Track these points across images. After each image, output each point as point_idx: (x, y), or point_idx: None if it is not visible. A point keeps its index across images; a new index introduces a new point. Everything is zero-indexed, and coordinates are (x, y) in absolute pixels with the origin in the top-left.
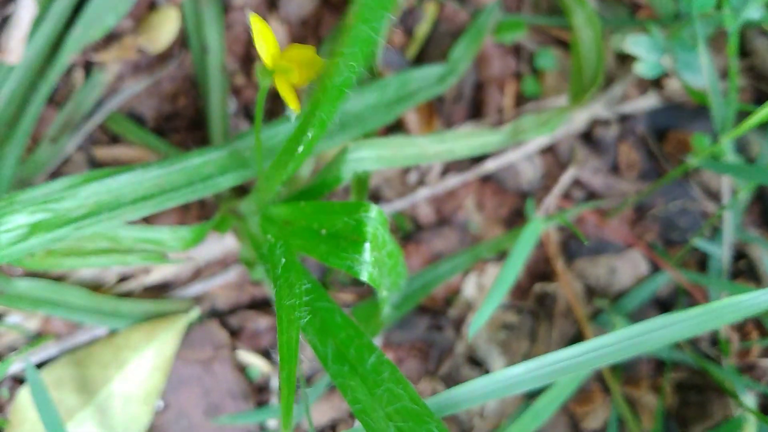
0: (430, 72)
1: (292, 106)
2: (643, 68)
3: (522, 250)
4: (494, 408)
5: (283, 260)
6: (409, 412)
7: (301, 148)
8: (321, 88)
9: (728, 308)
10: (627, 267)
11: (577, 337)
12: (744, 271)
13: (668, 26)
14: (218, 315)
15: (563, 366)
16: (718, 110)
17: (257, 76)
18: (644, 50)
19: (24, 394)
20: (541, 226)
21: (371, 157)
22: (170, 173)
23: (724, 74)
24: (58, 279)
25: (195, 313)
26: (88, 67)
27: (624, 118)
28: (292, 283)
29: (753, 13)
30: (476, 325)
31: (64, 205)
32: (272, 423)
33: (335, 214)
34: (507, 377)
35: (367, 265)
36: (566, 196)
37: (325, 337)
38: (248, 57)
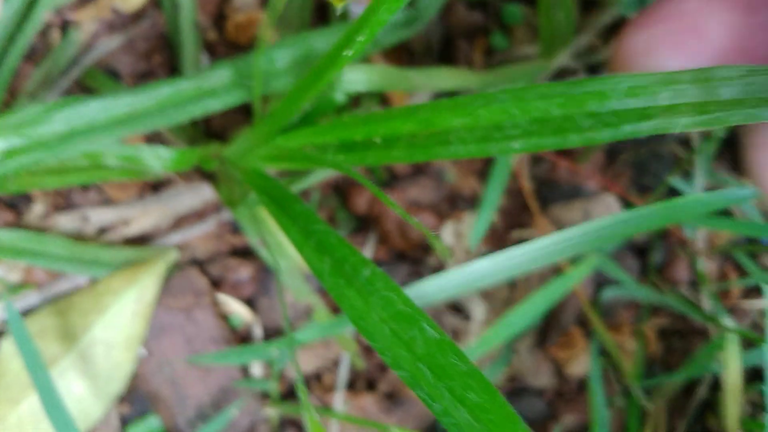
0: (396, 17)
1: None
2: (625, 2)
3: (499, 176)
4: (477, 353)
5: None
6: (402, 315)
7: (350, 52)
8: None
9: (687, 205)
10: (601, 211)
11: None
12: (716, 213)
13: None
14: (198, 264)
15: (525, 259)
16: None
17: None
18: None
19: (5, 345)
20: (511, 161)
21: (363, 80)
22: (141, 100)
23: None
24: (39, 230)
25: (174, 255)
26: (65, 27)
27: (592, 68)
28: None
29: None
30: (478, 234)
31: (38, 131)
32: (256, 370)
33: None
34: (470, 271)
35: None
36: None
37: (321, 255)
38: (220, 14)
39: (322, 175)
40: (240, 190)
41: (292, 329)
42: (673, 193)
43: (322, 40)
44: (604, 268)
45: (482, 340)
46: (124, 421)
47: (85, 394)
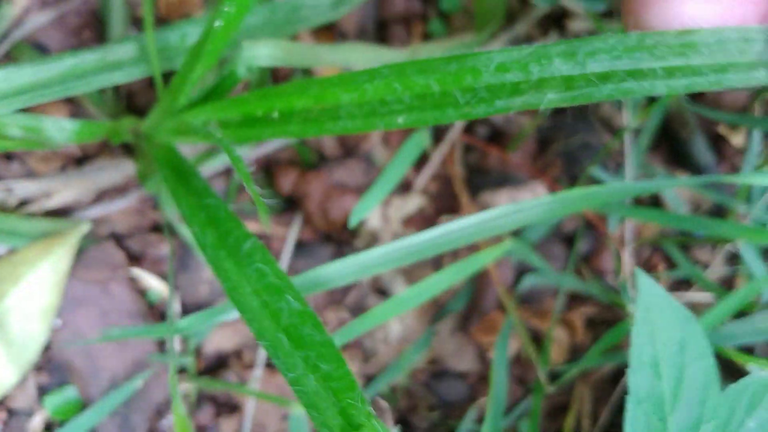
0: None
1: None
2: None
3: (405, 156)
4: (398, 334)
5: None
6: (273, 287)
7: (220, 23)
8: None
9: (582, 196)
10: (528, 197)
11: None
12: (646, 202)
13: None
14: (118, 239)
15: (446, 239)
16: None
17: None
18: None
19: None
20: (426, 140)
21: (266, 55)
22: (44, 70)
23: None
24: None
25: (86, 227)
26: None
27: None
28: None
29: None
30: (364, 207)
31: None
32: (174, 346)
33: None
34: (390, 250)
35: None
36: (469, 131)
37: (207, 228)
38: None
39: (245, 152)
40: (153, 165)
41: (210, 306)
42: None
43: None
44: (524, 255)
45: (394, 306)
46: (43, 390)
47: (1, 360)
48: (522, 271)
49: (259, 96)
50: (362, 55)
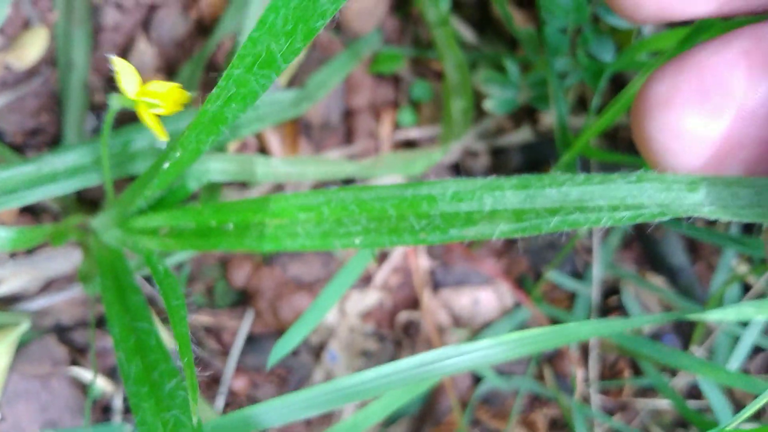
0: (282, 97)
1: (160, 135)
2: (493, 104)
3: (354, 268)
4: None
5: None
6: None
7: (166, 165)
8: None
9: (547, 335)
10: (491, 298)
11: None
12: (616, 308)
13: (533, 63)
14: (63, 330)
15: (393, 379)
16: (562, 145)
17: (109, 102)
18: (497, 88)
19: None
20: (369, 258)
21: (217, 170)
22: None
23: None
24: None
25: (25, 325)
26: None
27: (498, 152)
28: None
29: (606, 56)
30: (280, 352)
31: None
32: None
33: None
34: (338, 388)
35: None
36: None
37: (134, 355)
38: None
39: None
40: (96, 267)
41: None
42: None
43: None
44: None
45: (349, 426)
46: None
47: None
48: (478, 374)
49: (213, 209)
50: (321, 169)
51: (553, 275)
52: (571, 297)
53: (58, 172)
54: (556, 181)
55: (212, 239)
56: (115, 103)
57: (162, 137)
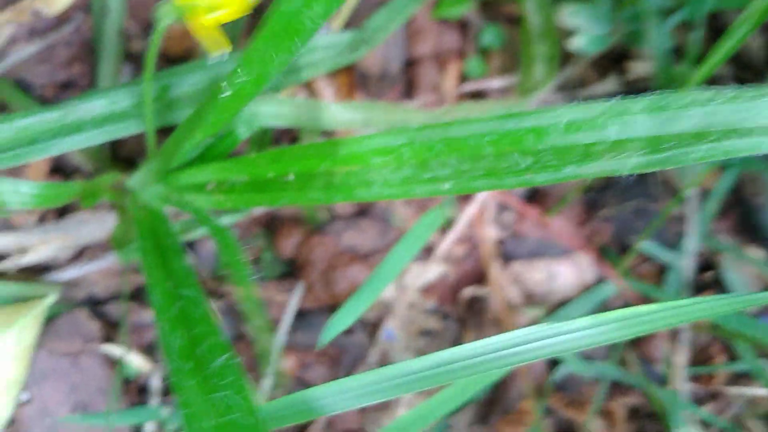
0: (338, 40)
1: (223, 44)
2: (582, 42)
3: (417, 236)
4: None
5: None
6: (241, 427)
7: (227, 94)
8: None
9: (661, 313)
10: (570, 273)
11: None
12: (710, 284)
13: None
14: (96, 304)
15: (470, 363)
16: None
17: (157, 15)
18: (584, 21)
19: None
20: (445, 212)
21: (269, 114)
22: None
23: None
24: None
25: (53, 297)
26: None
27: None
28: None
29: None
30: (336, 327)
31: None
32: (149, 427)
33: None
34: (403, 370)
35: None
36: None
37: (178, 327)
38: (151, 22)
39: (246, 211)
40: (133, 230)
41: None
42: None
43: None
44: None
45: (411, 419)
46: None
47: None
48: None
49: (270, 158)
50: (389, 116)
51: (645, 245)
52: (659, 272)
53: (86, 120)
54: (699, 99)
55: (270, 193)
56: (165, 15)
57: (224, 47)
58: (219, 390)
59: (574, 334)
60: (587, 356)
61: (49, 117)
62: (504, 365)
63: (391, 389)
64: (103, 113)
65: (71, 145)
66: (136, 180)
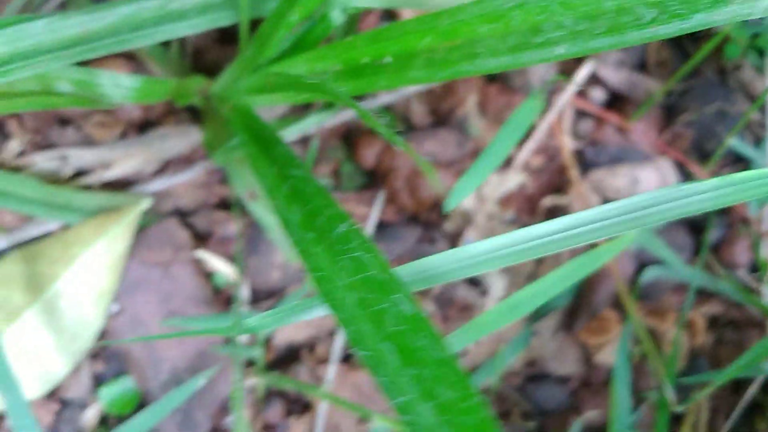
0: None
1: None
2: None
3: (517, 125)
4: (492, 332)
5: None
6: (374, 282)
7: None
8: None
9: (756, 181)
10: (653, 178)
11: None
12: None
13: None
14: (182, 215)
15: (557, 237)
16: None
17: None
18: None
19: None
20: (540, 102)
21: None
22: (94, 20)
23: None
24: (13, 169)
25: (146, 202)
26: None
27: None
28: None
29: None
30: (458, 197)
31: None
32: (241, 335)
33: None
34: (491, 247)
35: None
36: (583, 94)
37: (293, 203)
38: None
39: (323, 119)
40: (224, 132)
41: (282, 293)
42: (740, 161)
43: None
44: (649, 245)
45: (496, 316)
46: (98, 380)
47: (50, 348)
48: (641, 261)
49: (366, 40)
50: None
51: (733, 142)
52: None
53: (188, 8)
54: None
55: (366, 78)
56: None
57: None
58: (346, 253)
59: (702, 195)
60: (669, 262)
61: (152, 4)
62: (596, 236)
63: (511, 255)
64: (203, 2)
65: (173, 33)
66: (223, 80)
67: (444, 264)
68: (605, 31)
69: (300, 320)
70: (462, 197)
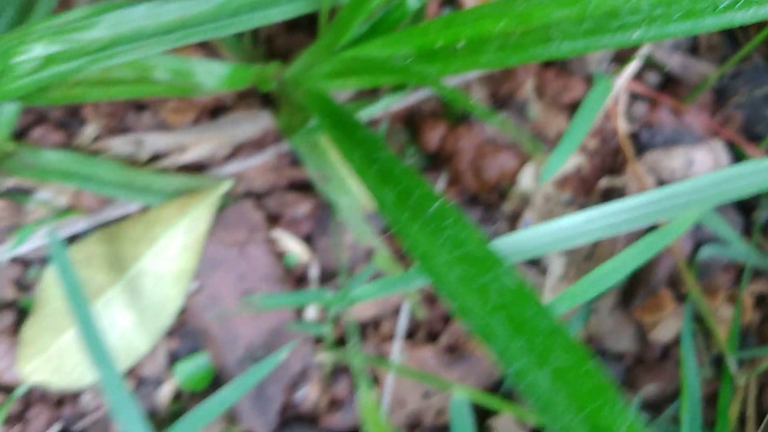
0: None
1: None
2: None
3: (593, 105)
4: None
5: None
6: (473, 258)
7: None
8: None
9: None
10: (707, 159)
11: None
12: None
13: None
14: (255, 197)
15: (617, 219)
16: None
17: None
18: None
19: (50, 271)
20: (611, 84)
21: None
22: (193, 5)
23: None
24: (90, 153)
25: (228, 185)
26: None
27: None
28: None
29: None
30: (550, 170)
31: (81, 36)
32: (310, 313)
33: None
34: (553, 230)
35: None
36: (638, 77)
37: (382, 185)
38: None
39: (391, 103)
40: (300, 116)
41: (351, 273)
42: None
43: None
44: (708, 223)
45: (562, 297)
46: (173, 357)
47: (132, 326)
48: (697, 240)
49: (440, 24)
50: None
51: None
52: None
53: None
54: None
55: (438, 62)
56: None
57: None
58: (443, 231)
59: (760, 176)
60: (724, 240)
61: None
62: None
63: (575, 237)
64: None
65: (267, 18)
66: (298, 64)
67: (511, 246)
68: (681, 16)
69: (399, 291)
70: (552, 174)
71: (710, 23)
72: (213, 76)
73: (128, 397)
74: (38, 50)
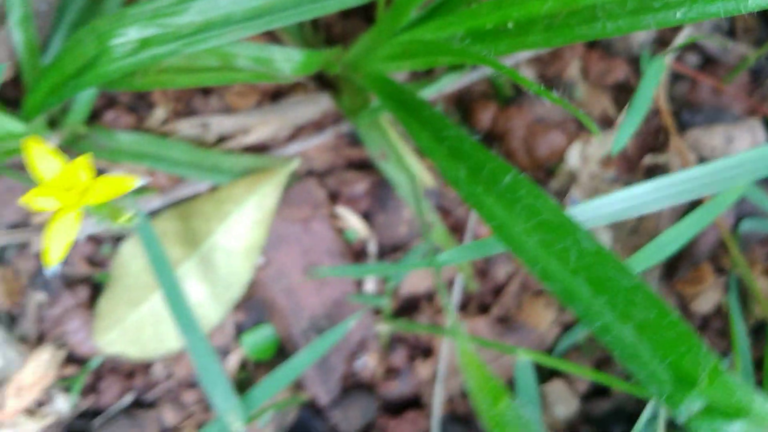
0: None
1: None
2: None
3: (650, 81)
4: None
5: None
6: (549, 225)
7: None
8: None
9: None
10: (746, 136)
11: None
12: None
13: None
14: (316, 175)
15: (663, 194)
16: None
17: None
18: None
19: (126, 246)
20: (663, 63)
21: None
22: None
23: None
24: (160, 135)
25: (295, 164)
26: None
27: None
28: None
29: None
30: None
31: (174, 21)
32: (369, 286)
33: None
34: (600, 205)
35: None
36: (679, 59)
37: (456, 161)
38: None
39: (445, 84)
40: (361, 98)
41: (407, 247)
42: None
43: None
44: (750, 197)
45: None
46: (240, 328)
47: (205, 298)
48: (739, 214)
49: (491, 6)
50: None
51: None
52: None
53: None
54: None
55: (488, 43)
56: None
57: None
58: (518, 201)
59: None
60: (765, 213)
61: None
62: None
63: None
64: None
65: (344, 3)
66: (358, 48)
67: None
68: None
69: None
70: (620, 146)
71: (754, 4)
72: (291, 62)
73: (214, 361)
74: (133, 33)
